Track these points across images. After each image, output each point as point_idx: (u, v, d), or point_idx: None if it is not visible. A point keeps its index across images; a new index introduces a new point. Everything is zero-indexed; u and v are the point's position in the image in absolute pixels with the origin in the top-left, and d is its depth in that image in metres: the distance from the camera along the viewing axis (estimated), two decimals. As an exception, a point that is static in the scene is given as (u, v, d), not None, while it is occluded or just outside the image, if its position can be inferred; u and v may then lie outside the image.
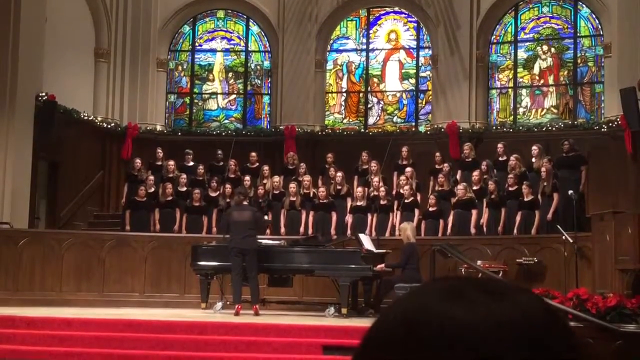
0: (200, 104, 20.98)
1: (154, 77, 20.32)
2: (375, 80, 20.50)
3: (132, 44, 19.94)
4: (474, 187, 14.86)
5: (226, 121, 20.76)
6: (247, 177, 16.06)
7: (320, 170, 16.79)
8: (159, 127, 20.19)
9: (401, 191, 15.12)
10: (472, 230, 14.37)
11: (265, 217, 14.26)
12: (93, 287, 14.21)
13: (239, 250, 12.18)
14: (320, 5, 20.19)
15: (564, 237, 12.57)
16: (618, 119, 16.83)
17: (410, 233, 12.91)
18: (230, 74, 20.96)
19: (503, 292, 0.88)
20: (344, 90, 20.61)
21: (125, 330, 10.36)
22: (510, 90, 19.50)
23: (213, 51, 21.02)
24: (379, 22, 20.61)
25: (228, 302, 12.72)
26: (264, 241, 13.03)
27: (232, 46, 21.07)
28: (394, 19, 20.54)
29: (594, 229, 11.76)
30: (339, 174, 15.80)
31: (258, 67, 20.92)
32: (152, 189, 15.96)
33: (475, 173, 15.09)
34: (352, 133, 19.88)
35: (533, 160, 15.36)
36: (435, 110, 19.47)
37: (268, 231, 14.65)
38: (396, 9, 20.46)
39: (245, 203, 12.94)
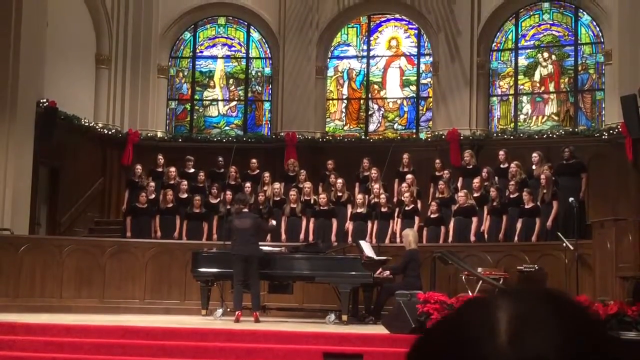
0: (201, 110, 20.99)
1: (154, 83, 20.32)
2: (376, 87, 20.51)
3: (133, 50, 19.95)
4: (475, 194, 14.85)
5: (227, 128, 20.76)
6: (248, 184, 16.06)
7: (320, 177, 16.78)
8: (159, 134, 20.19)
9: (402, 198, 15.11)
10: (472, 239, 14.36)
11: (274, 222, 14.22)
12: (93, 293, 14.20)
13: (241, 258, 12.17)
14: (321, 12, 20.21)
15: (564, 244, 12.57)
16: (619, 126, 16.83)
17: (412, 239, 12.90)
18: (231, 81, 20.97)
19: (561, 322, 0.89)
20: (344, 97, 20.62)
21: (126, 337, 10.35)
22: (510, 97, 19.51)
23: (214, 58, 21.03)
24: (379, 29, 20.62)
25: (228, 309, 12.72)
26: (264, 248, 13.03)
27: (233, 53, 21.09)
28: (395, 26, 20.56)
29: (595, 236, 11.76)
30: (340, 180, 15.79)
31: (259, 73, 20.93)
32: (153, 196, 15.97)
33: (476, 180, 15.09)
34: (352, 140, 19.87)
35: (533, 167, 15.36)
36: (436, 117, 19.47)
37: (269, 237, 14.65)
38: (397, 16, 20.48)
39: (245, 210, 12.92)
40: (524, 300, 0.92)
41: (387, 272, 12.80)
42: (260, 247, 12.58)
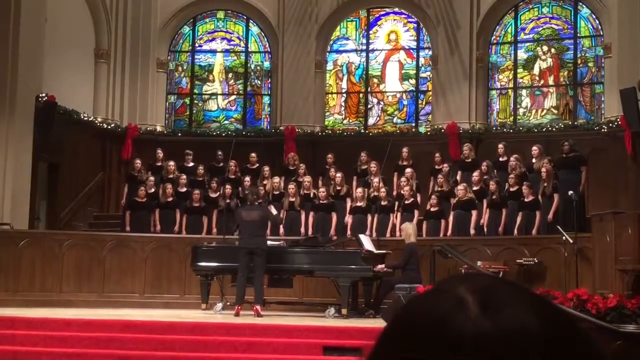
0: (200, 104, 20.98)
1: (154, 77, 20.31)
2: (375, 80, 20.49)
3: (132, 44, 19.94)
4: (474, 188, 14.86)
5: (226, 122, 20.76)
6: (247, 178, 16.06)
7: (320, 171, 16.78)
8: (159, 128, 20.19)
9: (401, 192, 15.11)
10: (472, 232, 14.37)
11: (274, 211, 13.88)
12: (93, 288, 14.20)
13: (247, 250, 12.14)
14: (320, 6, 20.18)
15: (564, 237, 12.56)
16: (618, 120, 16.82)
17: (412, 232, 12.91)
18: (230, 75, 20.96)
19: (523, 301, 0.85)
20: (344, 90, 20.61)
21: (125, 331, 10.36)
22: (510, 90, 19.50)
23: (213, 52, 21.02)
24: (379, 23, 20.60)
25: (228, 303, 12.72)
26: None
27: (232, 47, 21.07)
28: (394, 20, 20.54)
29: (594, 229, 11.76)
30: (339, 174, 15.79)
31: (258, 67, 20.92)
32: (152, 190, 15.96)
33: (475, 174, 15.09)
34: (352, 134, 19.86)
35: (533, 160, 15.35)
36: (435, 110, 19.47)
37: (268, 232, 14.63)
38: (396, 9, 20.45)
39: (256, 203, 12.90)
40: (478, 279, 0.88)
41: (390, 270, 12.81)
42: (267, 240, 12.52)
